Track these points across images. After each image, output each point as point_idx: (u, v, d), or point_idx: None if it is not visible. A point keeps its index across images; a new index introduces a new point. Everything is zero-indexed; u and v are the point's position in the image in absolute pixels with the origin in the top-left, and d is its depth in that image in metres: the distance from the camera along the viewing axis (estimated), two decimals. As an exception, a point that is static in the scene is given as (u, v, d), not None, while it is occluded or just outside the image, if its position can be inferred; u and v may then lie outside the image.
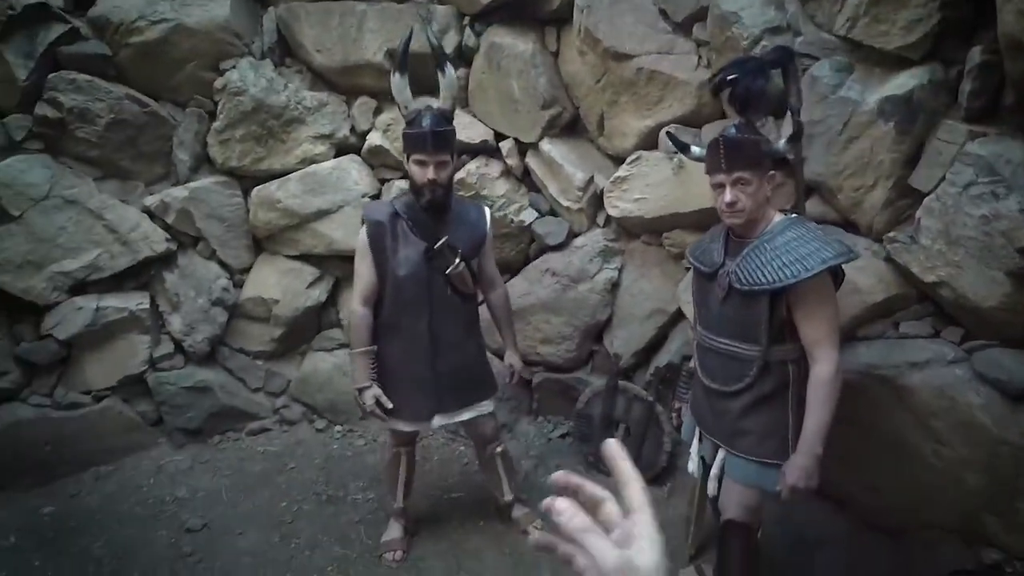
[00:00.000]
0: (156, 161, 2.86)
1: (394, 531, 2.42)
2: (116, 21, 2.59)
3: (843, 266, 1.70)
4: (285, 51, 2.93)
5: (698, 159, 1.91)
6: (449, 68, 2.02)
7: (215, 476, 2.88)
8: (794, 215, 1.77)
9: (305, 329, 3.17)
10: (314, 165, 2.93)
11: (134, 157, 2.80)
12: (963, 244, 1.76)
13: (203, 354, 3.01)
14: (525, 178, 2.95)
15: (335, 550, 2.43)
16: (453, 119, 2.08)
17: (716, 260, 1.77)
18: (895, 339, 2.03)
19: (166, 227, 2.88)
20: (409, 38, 2.02)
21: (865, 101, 1.92)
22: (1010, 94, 1.68)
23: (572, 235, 2.86)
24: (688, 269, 2.59)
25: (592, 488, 0.50)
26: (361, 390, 2.12)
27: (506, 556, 2.38)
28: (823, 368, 1.60)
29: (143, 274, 2.90)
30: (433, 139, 1.96)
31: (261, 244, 3.10)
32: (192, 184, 2.86)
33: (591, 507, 0.49)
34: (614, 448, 0.51)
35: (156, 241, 2.82)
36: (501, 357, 2.44)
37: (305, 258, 3.07)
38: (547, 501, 0.48)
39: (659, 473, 2.68)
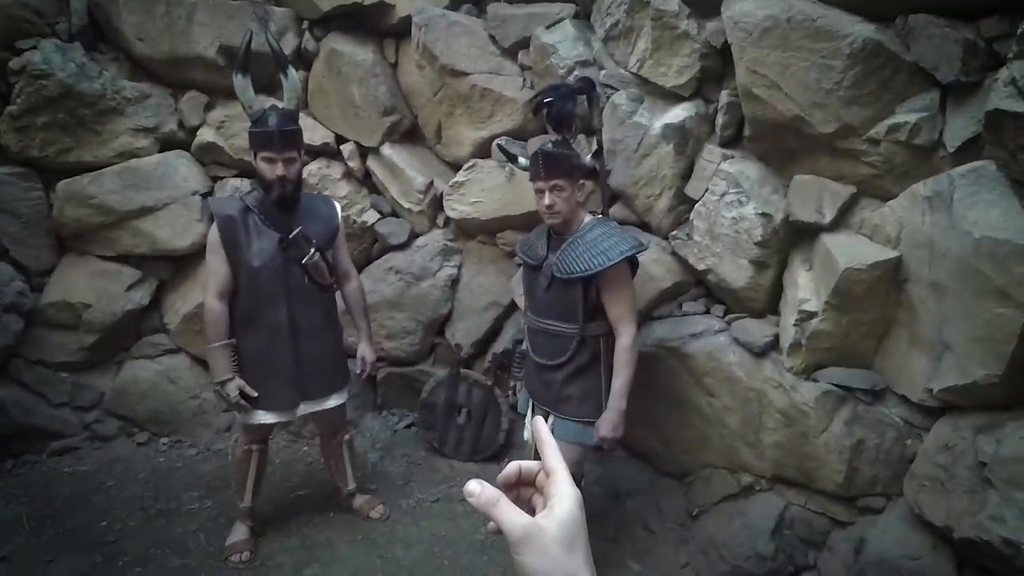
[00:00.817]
0: (-70, 145, 2.46)
1: (239, 533, 2.37)
2: None
3: (639, 258, 2.13)
4: (98, 36, 2.71)
5: (524, 168, 2.23)
6: (291, 71, 2.10)
7: (10, 504, 2.54)
8: (600, 216, 2.17)
9: (123, 335, 2.93)
10: (135, 159, 2.75)
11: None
12: (721, 239, 2.29)
13: (-8, 368, 2.63)
14: (367, 180, 3.07)
15: (172, 561, 2.31)
16: (298, 119, 2.16)
17: (541, 254, 2.11)
18: (679, 317, 2.54)
19: (-57, 221, 2.48)
20: (249, 40, 2.06)
21: (653, 126, 2.39)
22: (748, 127, 2.24)
23: (413, 235, 3.05)
24: (519, 265, 2.93)
25: (527, 465, 0.55)
26: (223, 383, 2.11)
27: (358, 542, 2.47)
28: (624, 340, 2.00)
29: (-92, 276, 2.46)
30: (281, 137, 2.03)
31: (66, 244, 2.80)
32: (-22, 173, 2.51)
33: (529, 481, 0.54)
34: (538, 423, 0.57)
35: (-70, 237, 2.42)
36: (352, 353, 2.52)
37: (124, 259, 2.84)
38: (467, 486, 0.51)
39: (498, 450, 2.96)
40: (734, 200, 2.25)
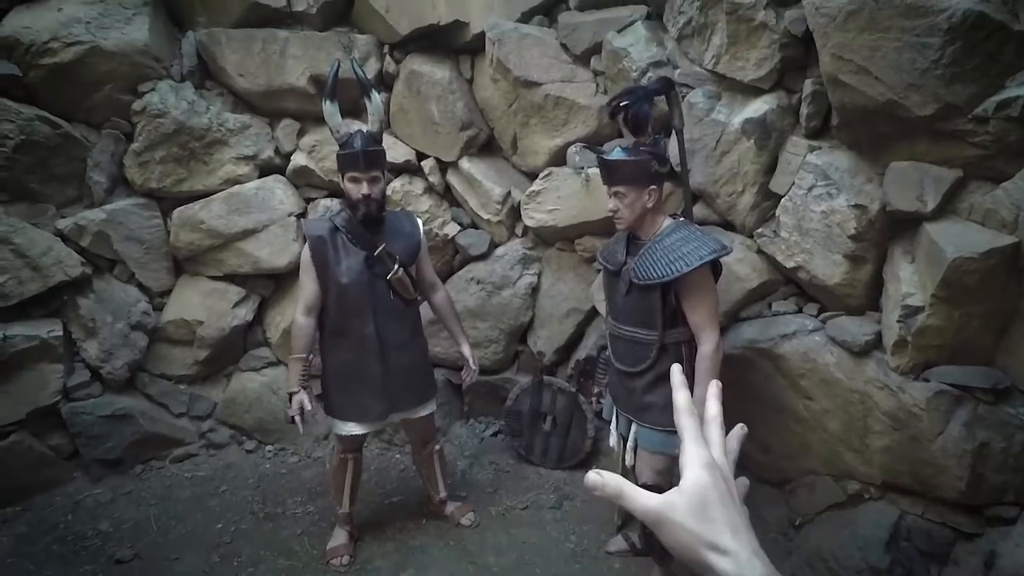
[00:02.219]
0: (68, 183, 2.78)
1: (339, 537, 2.49)
2: (26, 42, 2.54)
3: (723, 260, 2.05)
4: (205, 74, 2.98)
5: None
6: (375, 95, 2.21)
7: (140, 506, 2.79)
8: (681, 219, 2.09)
9: (231, 349, 3.16)
10: (238, 186, 2.98)
11: (44, 179, 2.71)
12: (811, 235, 2.19)
13: (122, 381, 2.92)
14: (447, 194, 3.18)
15: (280, 562, 2.45)
16: (382, 140, 2.27)
17: (620, 260, 2.08)
18: (769, 317, 2.45)
19: (80, 251, 2.79)
20: (337, 69, 2.18)
21: (731, 122, 2.34)
22: (836, 116, 2.14)
23: (493, 245, 3.12)
24: (599, 271, 2.93)
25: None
26: (291, 395, 2.22)
27: (451, 547, 2.53)
28: (706, 347, 1.93)
29: (53, 300, 2.78)
30: (365, 158, 2.14)
31: (182, 266, 3.08)
32: (109, 206, 2.81)
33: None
34: (674, 370, 0.56)
35: (70, 265, 2.73)
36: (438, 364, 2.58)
37: (230, 278, 3.08)
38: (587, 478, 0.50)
39: (584, 458, 2.95)
40: (823, 193, 2.15)
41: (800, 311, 2.41)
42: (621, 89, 2.29)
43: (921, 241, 1.96)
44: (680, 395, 0.53)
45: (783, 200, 2.28)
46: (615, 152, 2.00)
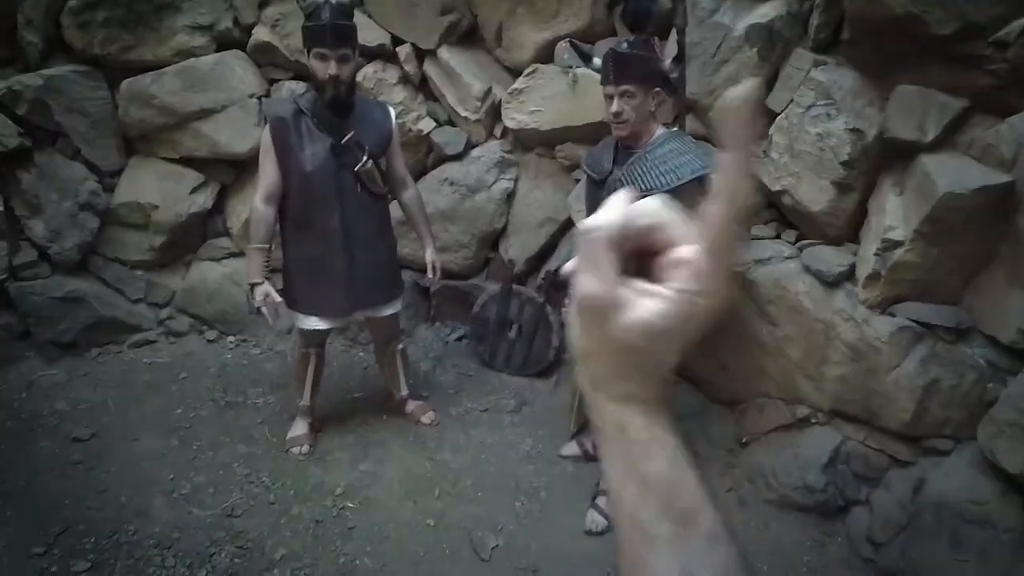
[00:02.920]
0: (-2, 42, 2.50)
1: (300, 428, 2.51)
2: None
3: (710, 179, 1.97)
4: (151, -76, 2.61)
5: (597, 70, 2.04)
6: None
7: (97, 388, 2.76)
8: (675, 129, 1.97)
9: (189, 237, 3.03)
10: (193, 59, 2.72)
11: (-31, 35, 2.42)
12: (802, 158, 2.09)
13: (72, 263, 2.79)
14: (423, 86, 2.95)
15: (239, 448, 2.48)
16: (353, 14, 2.05)
17: (606, 168, 1.95)
18: (747, 241, 2.39)
19: (17, 120, 2.55)
20: None
21: (735, 27, 2.15)
22: (847, 29, 1.97)
23: (470, 146, 2.95)
24: (578, 181, 2.81)
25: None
26: (253, 286, 2.14)
27: (410, 443, 2.58)
28: None
29: (-9, 172, 2.59)
30: (334, 33, 1.94)
31: (133, 145, 2.86)
32: (47, 71, 2.55)
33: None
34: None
35: (6, 135, 2.51)
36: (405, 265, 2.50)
37: (187, 162, 2.89)
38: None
39: (546, 367, 2.98)
40: (822, 113, 2.02)
41: (778, 237, 2.36)
42: None
43: (914, 173, 1.88)
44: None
45: (778, 118, 2.16)
46: (621, 45, 1.83)
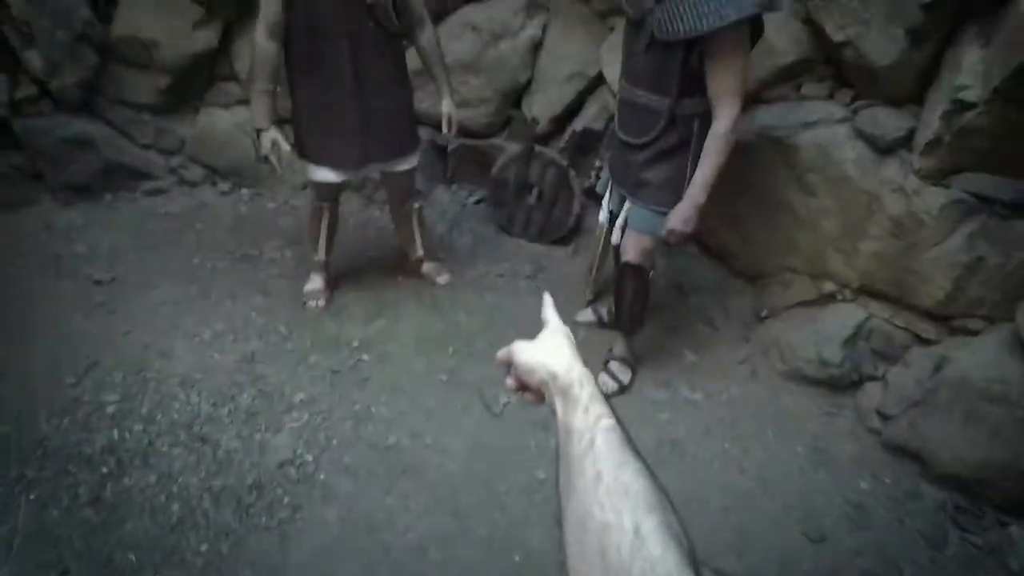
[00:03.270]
0: None
1: (316, 282, 2.51)
2: None
3: (764, 23, 1.72)
4: None
5: None
6: None
7: (114, 233, 2.76)
8: None
9: (196, 79, 2.86)
10: None
11: None
12: (875, 1, 1.82)
13: (75, 101, 2.67)
14: (444, -91, 2.59)
15: (256, 299, 2.50)
16: None
17: (646, 6, 1.70)
18: (795, 101, 2.18)
19: (-5, -69, 2.31)
20: None
21: None
22: None
23: (495, -16, 2.64)
24: (612, 29, 2.53)
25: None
26: (259, 132, 2.01)
27: (424, 303, 2.58)
28: (722, 123, 1.68)
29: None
30: None
31: (126, -31, 2.61)
32: None
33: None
34: (547, 298, 0.72)
35: (-14, -52, 2.28)
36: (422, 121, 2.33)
37: (185, -9, 2.64)
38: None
39: (566, 234, 2.90)
40: (908, -56, 1.72)
41: (831, 97, 2.13)
42: None
43: (1008, 19, 1.62)
44: (545, 297, 0.74)
45: (853, -48, 1.85)
46: None
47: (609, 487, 0.45)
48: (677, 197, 1.82)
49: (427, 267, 2.65)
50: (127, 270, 2.56)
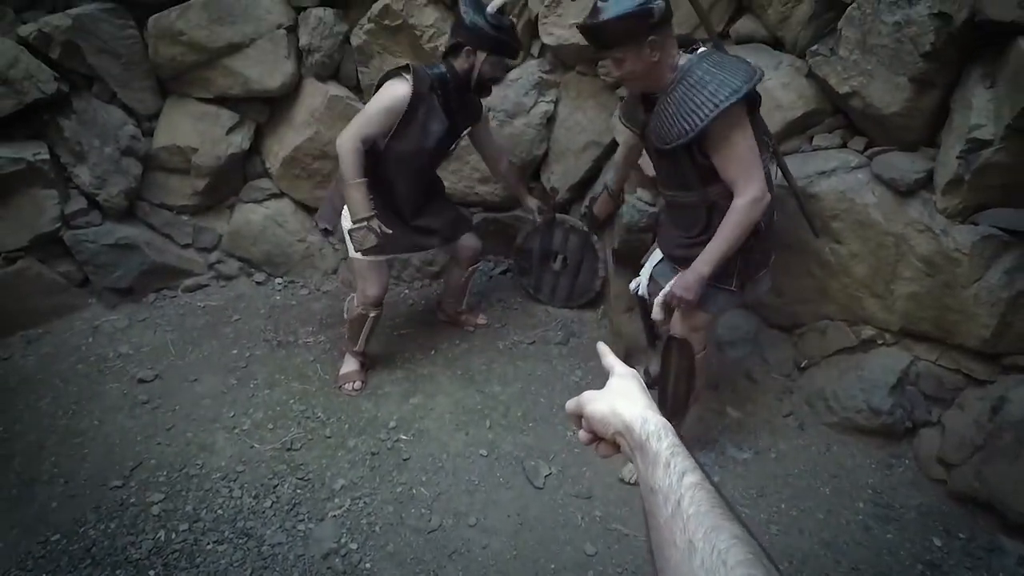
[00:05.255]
0: (22, -19, 2.45)
1: (351, 364, 2.54)
2: None
3: (764, 86, 1.76)
4: None
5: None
6: None
7: (157, 332, 2.85)
8: (702, 50, 1.68)
9: (230, 179, 3.02)
10: (217, -10, 2.62)
11: (-8, -25, 2.38)
12: (876, 52, 1.88)
13: (121, 209, 2.83)
14: (455, 6, 2.77)
15: (294, 386, 2.54)
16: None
17: (641, 120, 1.79)
18: (809, 152, 2.21)
19: (51, 64, 2.54)
20: None
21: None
22: None
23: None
24: (622, 99, 2.63)
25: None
26: (364, 220, 2.12)
27: (458, 377, 2.59)
28: (739, 199, 1.64)
29: (34, 121, 2.59)
30: (512, 47, 2.17)
31: (168, 86, 2.82)
32: (74, 11, 2.49)
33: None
34: (601, 345, 0.73)
35: (43, 80, 2.49)
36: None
37: (221, 101, 2.84)
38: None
39: (593, 297, 2.91)
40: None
41: (845, 146, 2.17)
42: None
43: (1010, 60, 1.66)
44: (600, 345, 0.74)
45: (849, 9, 1.93)
46: (607, 9, 1.56)
47: (704, 560, 0.41)
48: (727, 272, 1.76)
49: (465, 315, 2.87)
50: (170, 366, 2.63)
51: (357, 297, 2.41)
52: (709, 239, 1.71)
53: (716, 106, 1.53)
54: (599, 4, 1.59)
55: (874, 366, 2.18)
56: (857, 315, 2.23)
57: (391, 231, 2.19)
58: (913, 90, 1.85)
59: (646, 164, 2.25)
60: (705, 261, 1.69)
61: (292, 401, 2.46)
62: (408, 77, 2.09)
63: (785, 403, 2.39)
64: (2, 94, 2.43)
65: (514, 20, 2.17)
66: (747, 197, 1.63)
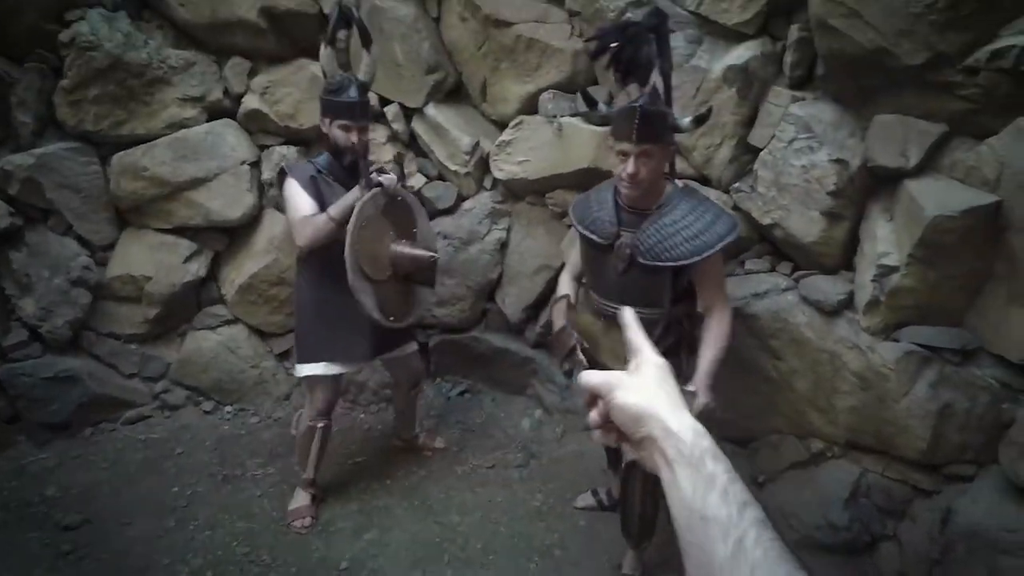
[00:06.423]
0: (-10, 125, 2.53)
1: (301, 499, 2.42)
2: (-73, -39, 2.25)
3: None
4: (141, 3, 2.70)
5: (604, 119, 1.85)
6: (374, 47, 2.13)
7: (90, 470, 2.67)
8: (682, 183, 1.84)
9: (184, 307, 2.99)
10: (184, 130, 2.75)
11: (-38, 120, 2.45)
12: (789, 190, 2.12)
13: (64, 340, 2.74)
14: (412, 143, 3.00)
15: (238, 526, 2.38)
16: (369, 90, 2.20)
17: (609, 230, 1.78)
18: (743, 275, 2.39)
19: (9, 200, 2.56)
20: (337, 14, 2.08)
21: (712, 69, 2.21)
22: (821, 65, 2.03)
23: (460, 199, 2.97)
24: (570, 227, 2.82)
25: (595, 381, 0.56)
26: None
27: (415, 507, 2.49)
28: (725, 316, 1.79)
29: (-19, 255, 2.57)
30: (360, 108, 2.11)
31: (125, 217, 2.87)
32: (39, 150, 2.57)
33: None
34: (627, 313, 0.62)
35: (-3, 216, 2.51)
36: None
37: (179, 231, 2.89)
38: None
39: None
40: (804, 146, 2.06)
41: (773, 270, 2.36)
42: (604, 25, 2.06)
43: (901, 199, 1.90)
44: (628, 315, 0.62)
45: (762, 154, 2.19)
46: (644, 100, 1.64)
47: None
48: None
49: (421, 437, 2.78)
50: (100, 509, 2.44)
51: (307, 410, 2.36)
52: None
53: (720, 237, 1.69)
54: (649, 97, 1.65)
55: (827, 480, 2.23)
56: (805, 428, 2.31)
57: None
58: (825, 222, 2.07)
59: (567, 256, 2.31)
60: (709, 373, 1.77)
61: (235, 544, 2.29)
62: (287, 172, 2.17)
63: (747, 520, 2.37)
64: (-47, 229, 2.43)
65: (361, 79, 2.09)
66: (729, 313, 1.80)
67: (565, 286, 2.12)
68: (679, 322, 1.84)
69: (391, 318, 2.16)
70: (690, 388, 1.79)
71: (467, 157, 2.81)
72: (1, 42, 2.49)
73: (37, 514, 2.41)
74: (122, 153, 2.71)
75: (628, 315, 0.61)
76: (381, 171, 2.19)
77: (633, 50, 1.70)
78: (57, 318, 2.68)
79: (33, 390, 2.68)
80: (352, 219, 2.01)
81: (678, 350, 1.84)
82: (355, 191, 2.09)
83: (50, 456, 2.71)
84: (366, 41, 2.10)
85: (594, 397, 0.55)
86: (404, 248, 2.16)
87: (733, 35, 2.19)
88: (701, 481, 0.45)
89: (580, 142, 2.53)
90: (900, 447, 2.04)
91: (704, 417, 1.79)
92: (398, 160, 2.38)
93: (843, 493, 2.14)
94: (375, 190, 2.09)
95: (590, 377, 0.55)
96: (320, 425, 2.33)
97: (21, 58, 2.55)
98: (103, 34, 2.51)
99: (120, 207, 2.80)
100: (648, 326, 1.76)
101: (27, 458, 2.68)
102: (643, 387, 0.52)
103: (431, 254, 2.18)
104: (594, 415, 0.55)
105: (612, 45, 1.72)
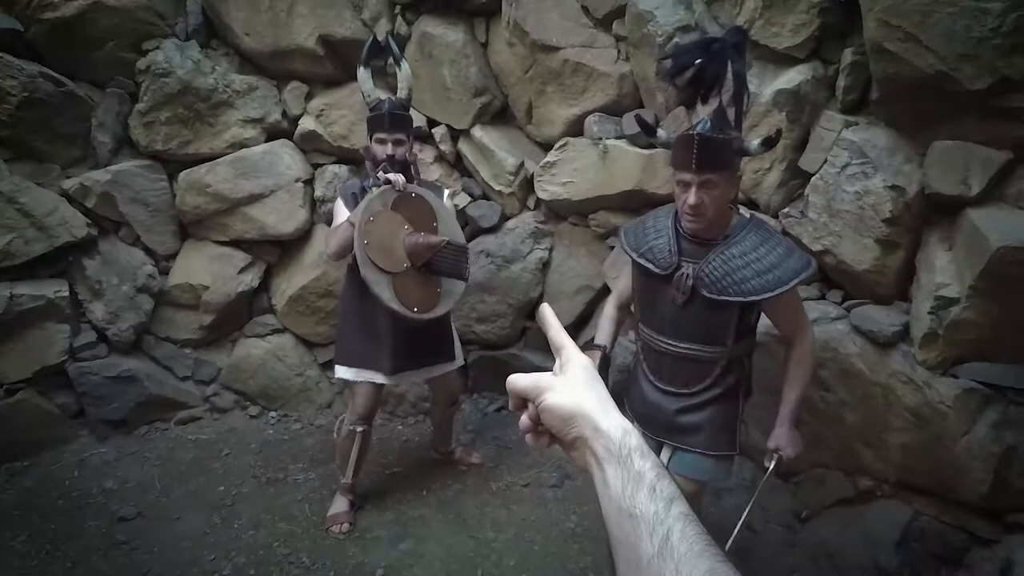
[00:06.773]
0: (73, 143, 2.74)
1: (340, 505, 2.48)
2: (27, -6, 2.47)
3: None
4: (210, 33, 2.88)
5: (664, 145, 1.72)
6: (405, 64, 2.26)
7: (144, 466, 2.81)
8: (749, 214, 1.70)
9: (236, 315, 3.13)
10: (245, 149, 2.91)
11: (49, 138, 2.67)
12: (842, 216, 2.06)
13: (128, 343, 2.91)
14: (458, 163, 3.06)
15: (280, 527, 2.45)
16: (409, 107, 2.29)
17: (670, 260, 1.64)
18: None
19: (86, 212, 2.76)
20: (373, 38, 2.26)
21: (762, 93, 2.18)
22: (876, 90, 1.97)
23: (504, 218, 3.02)
24: (612, 248, 2.81)
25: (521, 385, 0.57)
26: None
27: (450, 520, 2.50)
28: (805, 345, 1.69)
29: (59, 261, 2.77)
30: (391, 120, 2.21)
31: (188, 230, 3.04)
32: (114, 167, 2.77)
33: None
34: (545, 310, 0.63)
35: (76, 226, 2.70)
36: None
37: (235, 244, 3.04)
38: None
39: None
40: (858, 172, 2.00)
41: (823, 297, 2.28)
42: (681, 43, 2.00)
43: (962, 228, 1.81)
44: (547, 314, 0.63)
45: (813, 179, 2.14)
46: (705, 125, 1.51)
47: None
48: (732, 437, 1.73)
49: (458, 452, 2.81)
50: (153, 503, 2.56)
51: (348, 414, 2.42)
52: (713, 396, 1.68)
53: (796, 273, 1.56)
54: (712, 122, 1.52)
55: (876, 519, 2.12)
56: (852, 464, 2.21)
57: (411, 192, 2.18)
58: (880, 250, 2.00)
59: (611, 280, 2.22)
60: (795, 411, 1.71)
61: (276, 544, 2.36)
62: (337, 195, 2.31)
63: (788, 556, 2.28)
64: (35, 238, 2.63)
65: (396, 97, 2.23)
66: (811, 343, 1.71)
67: (609, 314, 1.97)
68: (739, 361, 1.72)
69: (415, 309, 2.12)
70: (771, 445, 1.71)
71: (511, 177, 2.85)
72: (85, 69, 2.71)
73: (96, 504, 2.55)
74: (188, 171, 2.89)
75: (546, 312, 0.61)
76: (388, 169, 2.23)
77: (717, 67, 1.55)
78: (123, 322, 2.85)
79: (98, 388, 2.86)
80: (360, 214, 2.07)
81: (736, 392, 1.73)
82: (369, 194, 2.17)
83: (109, 450, 2.87)
84: (396, 59, 2.26)
85: (523, 401, 0.56)
86: (417, 237, 2.13)
87: (784, 59, 2.16)
88: (630, 479, 0.45)
89: (625, 164, 2.54)
90: (957, 490, 1.92)
91: (793, 465, 1.72)
92: (412, 160, 2.37)
93: (893, 535, 2.04)
94: (384, 187, 2.16)
95: (517, 381, 0.55)
96: (360, 430, 2.38)
97: (103, 84, 2.76)
98: (176, 62, 2.69)
99: (183, 220, 2.97)
100: (707, 366, 1.70)
101: (88, 452, 2.85)
102: (571, 388, 0.52)
103: (443, 238, 2.12)
104: (525, 419, 0.55)
105: (696, 62, 1.57)
